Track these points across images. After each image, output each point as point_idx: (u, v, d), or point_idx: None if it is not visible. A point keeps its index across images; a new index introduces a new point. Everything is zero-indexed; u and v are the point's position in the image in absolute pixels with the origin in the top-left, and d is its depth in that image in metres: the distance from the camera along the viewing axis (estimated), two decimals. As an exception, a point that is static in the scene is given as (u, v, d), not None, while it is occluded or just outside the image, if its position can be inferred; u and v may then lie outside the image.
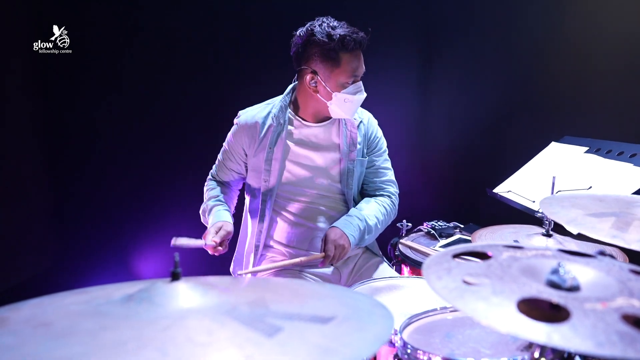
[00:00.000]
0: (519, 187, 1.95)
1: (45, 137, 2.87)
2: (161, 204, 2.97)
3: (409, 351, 1.06)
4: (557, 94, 2.65)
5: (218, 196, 1.94)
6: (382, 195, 1.97)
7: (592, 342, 0.58)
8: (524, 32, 2.67)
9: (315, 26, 1.72)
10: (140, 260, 3.03)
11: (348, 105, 1.77)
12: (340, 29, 1.69)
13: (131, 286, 0.85)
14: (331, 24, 1.71)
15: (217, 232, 1.73)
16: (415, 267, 2.03)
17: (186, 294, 0.77)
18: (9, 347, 0.63)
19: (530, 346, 1.06)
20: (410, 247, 2.19)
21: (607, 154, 1.72)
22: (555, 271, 0.76)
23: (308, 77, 1.77)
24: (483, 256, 0.89)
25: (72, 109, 2.84)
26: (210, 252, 1.72)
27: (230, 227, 1.79)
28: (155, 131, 2.89)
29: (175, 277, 0.81)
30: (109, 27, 2.75)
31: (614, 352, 0.57)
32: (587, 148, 1.86)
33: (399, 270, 2.15)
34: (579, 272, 0.79)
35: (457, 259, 0.83)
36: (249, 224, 1.96)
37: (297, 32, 1.78)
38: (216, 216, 1.84)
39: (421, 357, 1.03)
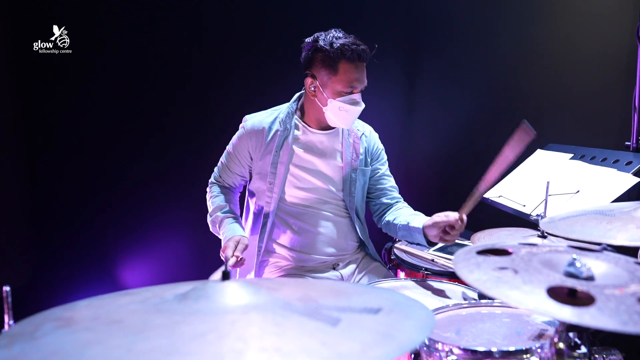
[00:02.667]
0: (509, 192, 2.07)
1: (32, 140, 2.81)
2: (147, 212, 2.96)
3: (427, 343, 1.14)
4: (538, 103, 2.81)
5: (225, 206, 1.99)
6: (397, 201, 2.06)
7: (617, 321, 0.68)
8: (506, 46, 2.82)
9: (322, 34, 1.81)
10: (125, 269, 3.01)
11: (343, 115, 1.82)
12: (345, 39, 1.78)
13: (178, 287, 0.91)
14: (336, 35, 1.79)
15: (236, 246, 1.78)
16: (412, 270, 2.12)
17: (239, 291, 0.82)
18: (93, 342, 0.67)
19: (540, 336, 1.15)
20: (405, 252, 2.28)
21: (592, 160, 1.85)
22: (571, 263, 0.86)
23: (309, 80, 1.85)
24: (500, 252, 0.98)
25: (65, 111, 2.81)
26: (230, 267, 1.74)
27: (246, 241, 1.85)
28: (150, 135, 2.88)
29: (225, 276, 0.87)
30: (109, 27, 2.76)
31: (638, 329, 0.66)
32: (571, 155, 1.99)
33: (395, 274, 2.23)
34: (591, 264, 0.89)
35: (482, 255, 0.92)
36: (251, 228, 2.01)
37: (306, 40, 1.86)
38: (229, 230, 1.89)
39: (440, 348, 1.11)
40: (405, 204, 2.07)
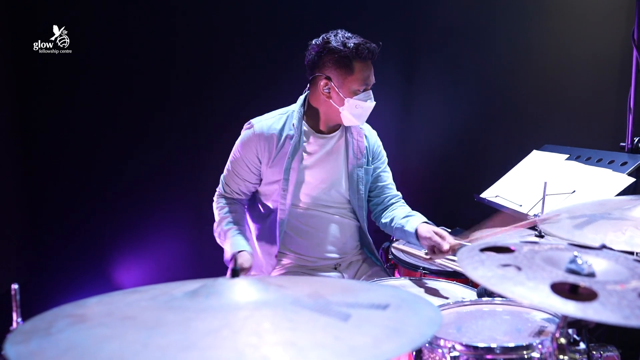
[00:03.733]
0: (506, 192, 2.10)
1: (31, 140, 2.81)
2: (144, 212, 2.96)
3: (429, 339, 1.16)
4: (534, 104, 2.84)
5: (227, 217, 1.96)
6: (397, 201, 2.08)
7: (619, 315, 0.70)
8: (503, 47, 2.85)
9: (330, 36, 1.82)
10: (122, 269, 3.00)
11: (359, 112, 1.85)
12: (355, 39, 1.80)
13: (186, 285, 0.92)
14: (346, 35, 1.82)
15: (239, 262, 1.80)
16: (410, 270, 2.14)
17: (248, 289, 0.83)
18: (110, 337, 0.68)
19: (539, 333, 1.18)
20: (402, 251, 2.30)
21: (587, 161, 1.89)
22: (573, 260, 0.88)
23: (322, 83, 1.84)
24: (503, 250, 1.00)
25: (64, 111, 2.81)
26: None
27: (248, 259, 1.84)
28: (148, 135, 2.88)
29: (235, 274, 0.89)
30: (109, 27, 2.75)
31: (639, 323, 0.68)
32: (567, 155, 2.02)
33: (393, 274, 2.25)
34: (592, 261, 0.91)
35: (485, 252, 0.94)
36: (262, 232, 2.01)
37: (313, 42, 1.86)
38: (233, 244, 1.88)
39: (442, 344, 1.13)
40: (402, 203, 2.08)
